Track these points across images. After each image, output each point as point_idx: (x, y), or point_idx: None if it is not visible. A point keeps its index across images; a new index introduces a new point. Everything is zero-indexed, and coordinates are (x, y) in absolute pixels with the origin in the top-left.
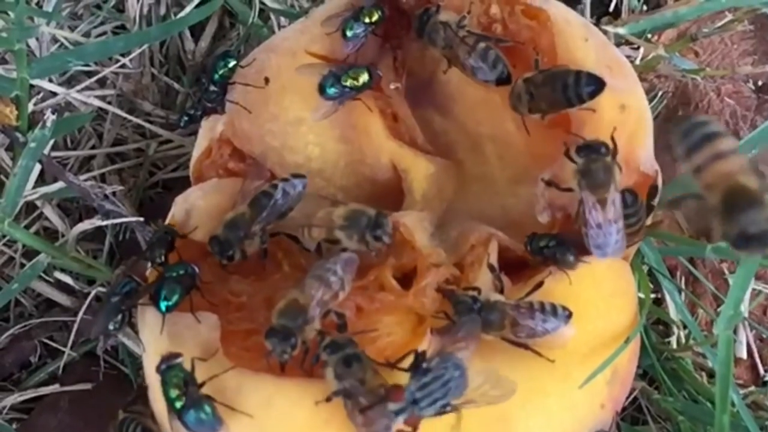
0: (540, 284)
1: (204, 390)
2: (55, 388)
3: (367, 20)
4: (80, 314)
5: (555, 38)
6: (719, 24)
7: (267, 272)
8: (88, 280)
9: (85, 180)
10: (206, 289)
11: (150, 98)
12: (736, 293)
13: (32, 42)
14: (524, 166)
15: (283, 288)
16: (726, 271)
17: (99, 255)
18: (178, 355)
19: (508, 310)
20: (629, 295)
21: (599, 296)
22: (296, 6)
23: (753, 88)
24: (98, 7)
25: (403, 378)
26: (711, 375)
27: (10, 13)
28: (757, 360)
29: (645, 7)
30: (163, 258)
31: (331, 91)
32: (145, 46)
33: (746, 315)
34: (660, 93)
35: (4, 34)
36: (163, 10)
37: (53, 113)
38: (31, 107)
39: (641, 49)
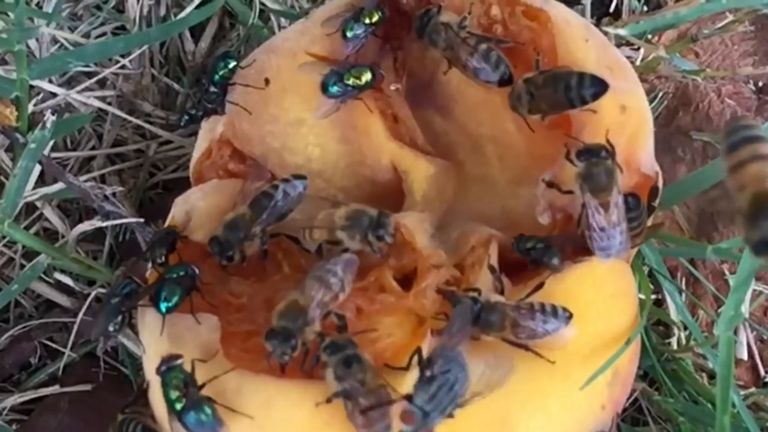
0: (540, 285)
1: (204, 391)
2: (55, 389)
3: (367, 21)
4: (80, 315)
5: (555, 39)
6: (720, 25)
7: (267, 273)
8: (88, 281)
9: (85, 181)
10: (206, 291)
11: (150, 99)
12: (736, 294)
13: (32, 43)
14: (525, 167)
15: (284, 289)
16: (726, 272)
17: (99, 256)
18: (178, 356)
19: (509, 311)
20: (630, 296)
21: (600, 297)
22: (296, 7)
23: (753, 89)
24: (98, 7)
25: (404, 379)
26: (711, 376)
27: (10, 14)
28: (758, 361)
29: (645, 8)
30: (163, 258)
31: (334, 89)
32: (145, 47)
33: (747, 316)
34: (660, 94)
35: (4, 35)
36: (163, 11)
37: (53, 114)
38: (31, 108)
39: (641, 50)
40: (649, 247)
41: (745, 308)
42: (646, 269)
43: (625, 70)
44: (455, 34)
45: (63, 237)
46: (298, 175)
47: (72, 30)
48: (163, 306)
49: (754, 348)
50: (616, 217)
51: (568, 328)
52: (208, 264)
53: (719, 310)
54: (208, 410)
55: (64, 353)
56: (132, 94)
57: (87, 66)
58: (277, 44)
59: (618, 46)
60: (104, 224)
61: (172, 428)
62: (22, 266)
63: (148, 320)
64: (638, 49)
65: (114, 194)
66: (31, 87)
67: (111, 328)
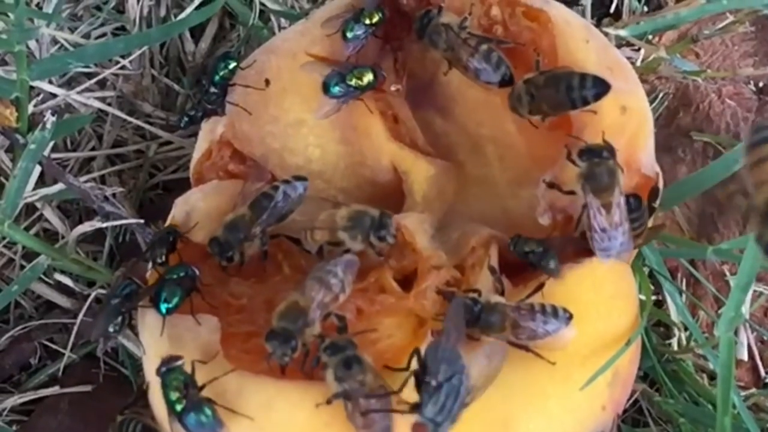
0: (541, 286)
1: (204, 392)
2: (55, 390)
3: (367, 22)
4: (80, 316)
5: (556, 40)
6: (720, 25)
7: (267, 274)
8: (88, 282)
9: (85, 181)
10: (206, 292)
11: (150, 100)
12: (737, 295)
13: (32, 43)
14: (525, 167)
15: (284, 290)
16: (727, 273)
17: (99, 257)
18: (178, 357)
19: (509, 311)
20: (630, 297)
21: (600, 298)
22: (297, 7)
23: (754, 89)
24: (98, 8)
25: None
26: (712, 377)
27: (10, 14)
28: (758, 362)
29: (646, 9)
30: (164, 258)
31: (336, 89)
32: (145, 48)
33: (747, 317)
34: (661, 95)
35: (4, 36)
36: (163, 12)
37: (53, 115)
38: (31, 109)
39: (642, 51)
40: (650, 248)
41: (745, 309)
42: (646, 270)
43: (626, 70)
44: (456, 35)
45: (63, 238)
46: (298, 176)
47: (72, 31)
48: (163, 307)
49: (755, 349)
50: (618, 218)
51: (568, 328)
52: (209, 265)
53: (720, 311)
54: (208, 411)
55: (64, 354)
56: (132, 95)
57: (87, 67)
58: (278, 45)
59: (618, 46)
60: (104, 225)
61: (173, 429)
62: (22, 267)
63: (148, 321)
64: (639, 49)
65: (114, 195)
66: (31, 88)
67: (111, 329)
